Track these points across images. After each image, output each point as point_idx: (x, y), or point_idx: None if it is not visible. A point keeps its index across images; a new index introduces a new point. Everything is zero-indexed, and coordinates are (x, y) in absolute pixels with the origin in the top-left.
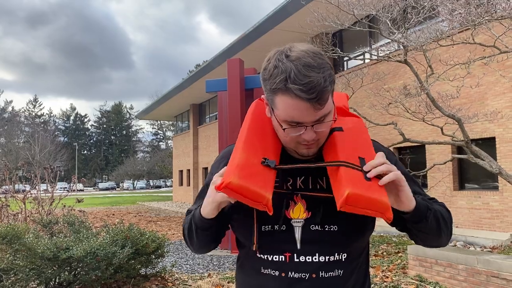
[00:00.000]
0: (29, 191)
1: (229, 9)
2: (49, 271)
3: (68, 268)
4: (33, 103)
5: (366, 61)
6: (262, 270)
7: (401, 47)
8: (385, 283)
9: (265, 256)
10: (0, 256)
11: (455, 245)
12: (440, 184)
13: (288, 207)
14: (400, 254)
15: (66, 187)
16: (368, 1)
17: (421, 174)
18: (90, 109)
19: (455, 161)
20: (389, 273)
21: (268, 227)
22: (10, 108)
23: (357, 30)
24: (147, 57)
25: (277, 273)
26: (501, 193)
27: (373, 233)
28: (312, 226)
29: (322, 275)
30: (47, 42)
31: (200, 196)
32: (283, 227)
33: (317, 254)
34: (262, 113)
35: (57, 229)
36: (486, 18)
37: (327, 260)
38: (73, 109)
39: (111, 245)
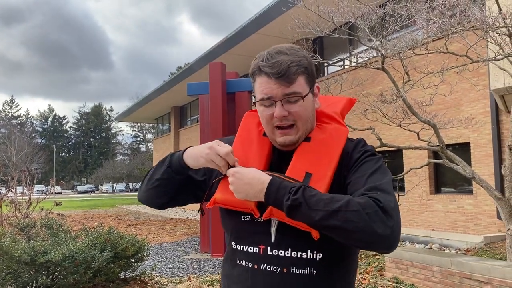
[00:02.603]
0: (6, 194)
1: (211, 10)
2: (26, 275)
3: (46, 272)
4: (9, 103)
5: (346, 67)
6: (238, 261)
7: (379, 55)
8: (362, 285)
9: (241, 246)
10: None
11: (431, 248)
12: (416, 188)
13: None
14: (377, 257)
15: (43, 190)
16: (347, 9)
17: (398, 178)
18: (68, 110)
19: (431, 166)
20: (366, 275)
21: (248, 217)
22: None
23: (337, 37)
24: (127, 57)
25: (250, 264)
26: (475, 197)
27: None
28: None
29: (293, 271)
30: (22, 41)
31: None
32: (261, 219)
33: (290, 249)
34: (249, 123)
35: (35, 232)
36: (459, 28)
37: (299, 256)
38: (51, 110)
39: (90, 249)
